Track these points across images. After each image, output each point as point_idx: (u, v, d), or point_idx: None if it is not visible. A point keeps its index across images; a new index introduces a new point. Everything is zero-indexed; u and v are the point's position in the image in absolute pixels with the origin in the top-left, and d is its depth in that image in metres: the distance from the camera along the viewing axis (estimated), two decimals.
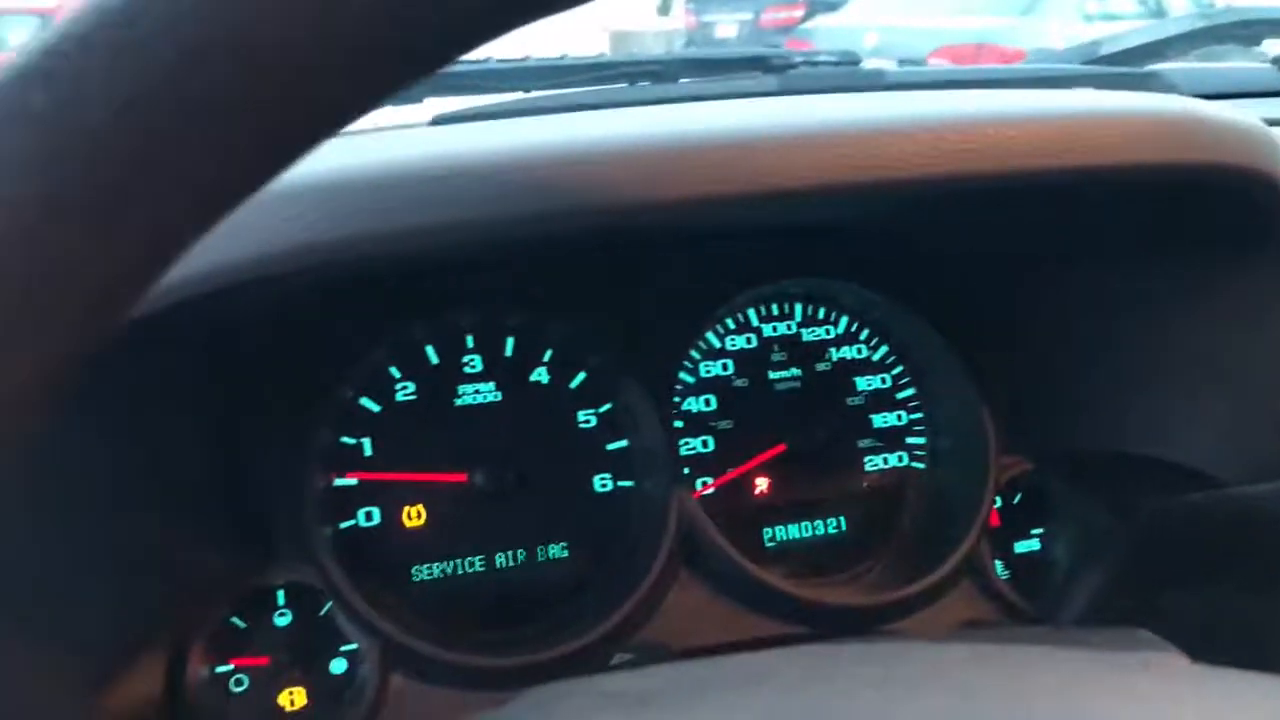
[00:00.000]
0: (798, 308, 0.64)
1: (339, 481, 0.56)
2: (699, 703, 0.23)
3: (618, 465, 0.60)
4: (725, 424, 0.62)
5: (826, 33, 4.34)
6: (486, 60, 0.91)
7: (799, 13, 5.67)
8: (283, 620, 0.54)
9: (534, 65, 0.95)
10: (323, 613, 0.54)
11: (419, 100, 0.88)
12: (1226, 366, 0.48)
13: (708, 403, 0.62)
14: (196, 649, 0.51)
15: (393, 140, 0.46)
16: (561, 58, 1.01)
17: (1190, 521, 0.53)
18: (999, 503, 0.61)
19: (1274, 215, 0.45)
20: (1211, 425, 0.50)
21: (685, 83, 0.86)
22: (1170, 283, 0.49)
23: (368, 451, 0.57)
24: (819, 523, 0.62)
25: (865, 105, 0.47)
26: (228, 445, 0.51)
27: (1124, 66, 1.00)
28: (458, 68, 0.89)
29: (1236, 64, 1.33)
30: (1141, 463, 0.53)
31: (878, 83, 0.88)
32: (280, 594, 0.54)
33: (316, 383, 0.54)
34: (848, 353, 0.64)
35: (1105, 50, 1.06)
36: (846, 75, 0.88)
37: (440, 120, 0.83)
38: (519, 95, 0.85)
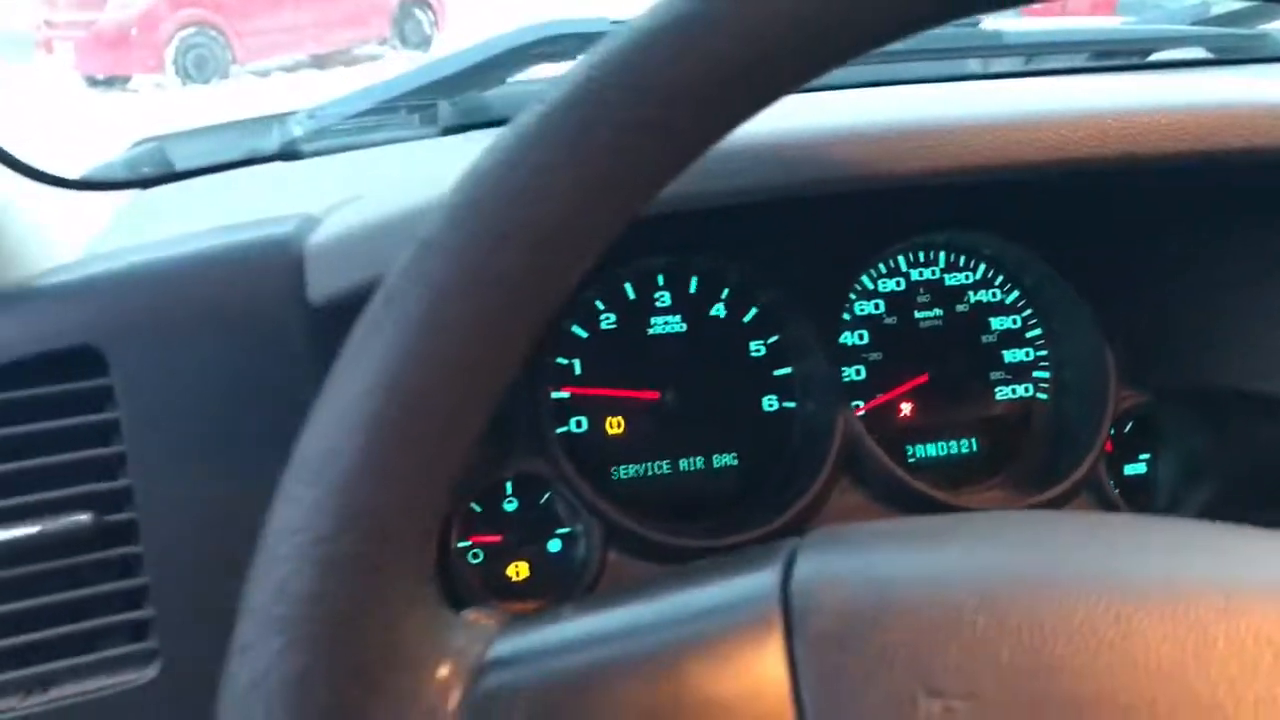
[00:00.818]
0: (941, 255, 0.73)
1: (555, 394, 0.67)
2: (968, 536, 0.33)
3: (783, 388, 0.70)
4: (876, 355, 0.71)
5: None
6: None
7: None
8: (510, 506, 0.65)
9: None
10: (542, 501, 0.65)
11: None
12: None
13: (861, 337, 0.71)
14: (453, 527, 0.63)
15: None
16: None
17: None
18: (1112, 430, 0.70)
19: None
20: None
21: None
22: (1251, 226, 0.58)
23: (577, 370, 0.68)
24: (954, 443, 0.72)
25: (1049, 93, 0.55)
26: None
27: (1234, 28, 1.05)
28: None
29: None
30: (1248, 397, 0.62)
31: (996, 42, 0.95)
32: (509, 485, 0.65)
33: None
34: (984, 296, 0.73)
35: (1215, 10, 1.12)
36: (966, 35, 0.95)
37: None
38: None
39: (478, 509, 0.65)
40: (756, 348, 0.70)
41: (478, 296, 0.28)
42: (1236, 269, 0.61)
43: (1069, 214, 0.68)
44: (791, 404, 0.70)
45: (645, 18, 0.30)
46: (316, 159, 0.82)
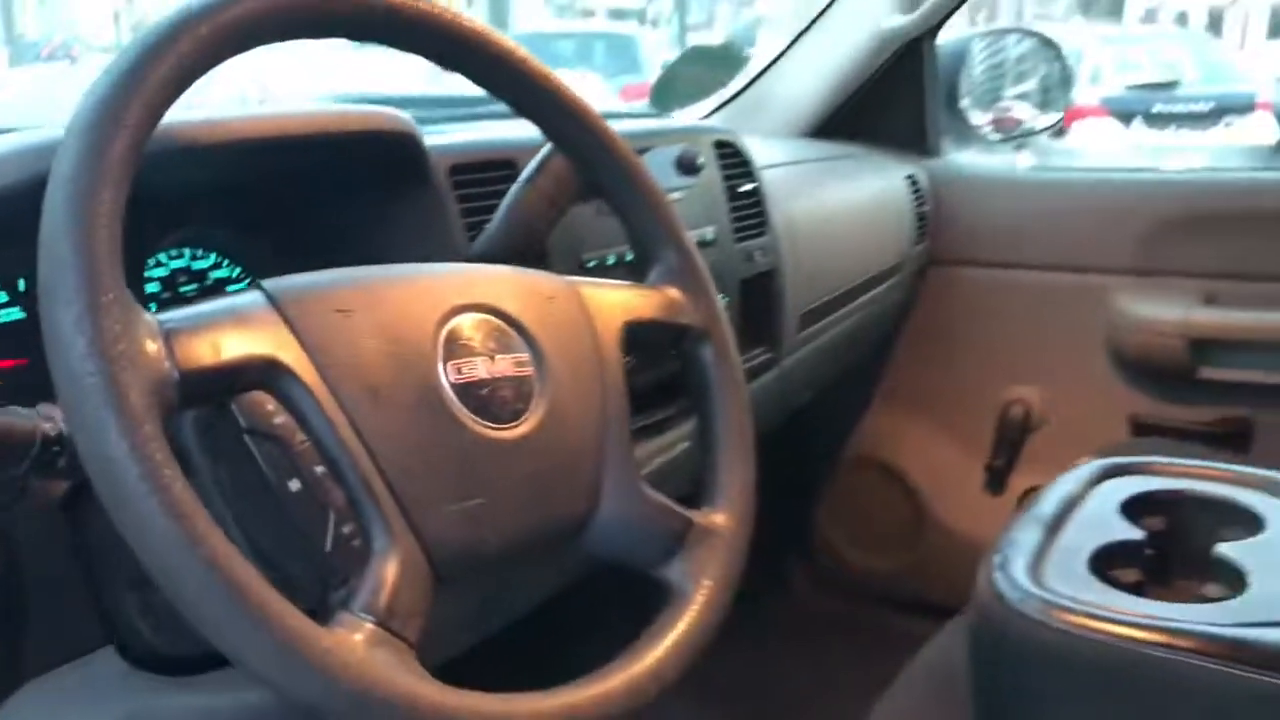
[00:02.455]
0: (186, 250, 1.09)
1: None
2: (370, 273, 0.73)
3: None
4: None
5: None
6: None
7: None
8: None
9: None
10: None
11: None
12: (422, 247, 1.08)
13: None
14: None
15: None
16: None
17: None
18: None
19: (422, 157, 1.06)
20: None
21: None
22: (390, 201, 1.08)
23: None
24: None
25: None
26: None
27: None
28: None
29: None
30: None
31: None
32: None
33: None
34: (219, 274, 1.11)
35: None
36: None
37: None
38: None
39: None
40: None
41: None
42: (361, 223, 1.09)
43: (249, 210, 1.10)
44: None
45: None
46: None
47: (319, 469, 0.66)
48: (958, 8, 2.13)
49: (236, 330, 0.65)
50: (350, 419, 0.66)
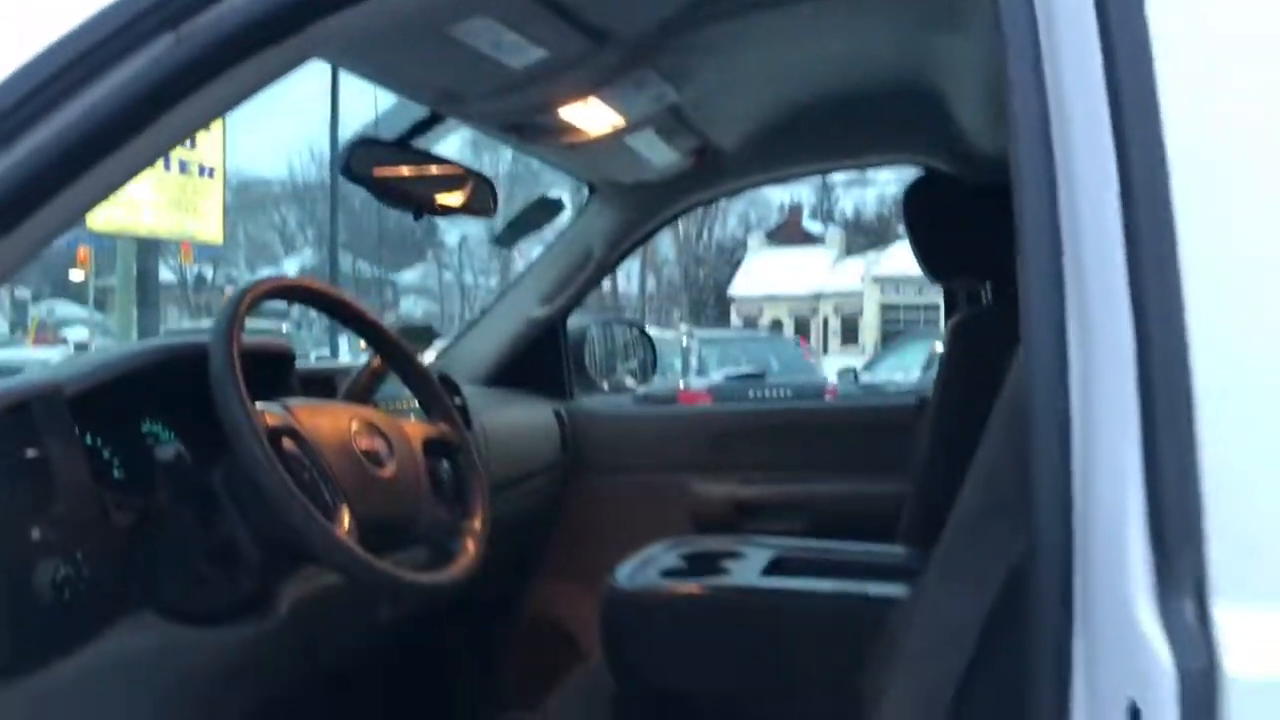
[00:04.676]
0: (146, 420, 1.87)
1: None
2: None
3: None
4: None
5: None
6: None
7: None
8: None
9: None
10: None
11: None
12: None
13: None
14: None
15: None
16: None
17: None
18: None
19: (292, 364, 1.94)
20: None
21: None
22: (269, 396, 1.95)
23: None
24: None
25: None
26: None
27: None
28: None
29: None
30: None
31: None
32: None
33: None
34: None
35: None
36: None
37: None
38: None
39: None
40: None
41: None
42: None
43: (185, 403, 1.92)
44: None
45: None
46: None
47: (314, 470, 1.52)
48: (579, 303, 3.29)
49: (279, 411, 1.52)
50: (320, 452, 1.54)
